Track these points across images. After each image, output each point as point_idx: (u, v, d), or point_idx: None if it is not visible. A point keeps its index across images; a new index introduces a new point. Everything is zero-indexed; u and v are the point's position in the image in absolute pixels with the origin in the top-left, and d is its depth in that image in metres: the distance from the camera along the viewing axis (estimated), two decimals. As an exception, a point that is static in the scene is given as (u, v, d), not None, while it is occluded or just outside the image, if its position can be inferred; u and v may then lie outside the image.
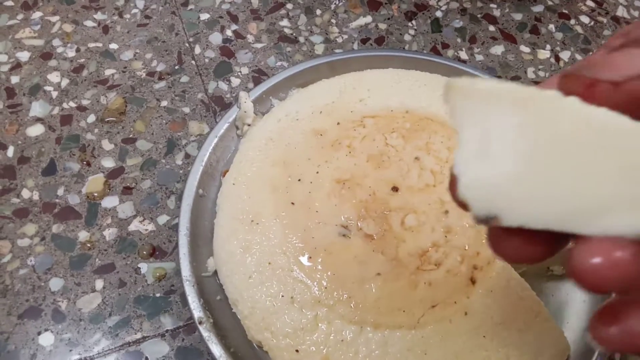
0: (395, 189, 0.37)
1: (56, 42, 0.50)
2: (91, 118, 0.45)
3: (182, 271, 0.34)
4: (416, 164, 0.38)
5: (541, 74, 0.50)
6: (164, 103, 0.46)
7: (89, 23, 0.51)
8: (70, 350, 0.35)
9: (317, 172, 0.38)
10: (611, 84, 0.15)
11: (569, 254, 0.15)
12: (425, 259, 0.34)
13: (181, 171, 0.42)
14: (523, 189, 0.15)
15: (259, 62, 0.49)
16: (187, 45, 0.50)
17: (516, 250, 0.16)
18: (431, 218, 0.36)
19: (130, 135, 0.44)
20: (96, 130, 0.44)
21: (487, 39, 0.52)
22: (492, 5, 0.55)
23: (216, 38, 0.50)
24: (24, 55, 0.48)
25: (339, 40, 0.51)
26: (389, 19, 0.53)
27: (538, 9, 0.55)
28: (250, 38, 0.51)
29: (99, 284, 0.37)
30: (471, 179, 0.15)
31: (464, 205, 0.16)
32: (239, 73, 0.48)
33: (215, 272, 0.36)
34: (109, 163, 0.43)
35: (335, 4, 0.54)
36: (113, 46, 0.49)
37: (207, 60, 0.49)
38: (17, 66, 0.48)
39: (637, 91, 0.15)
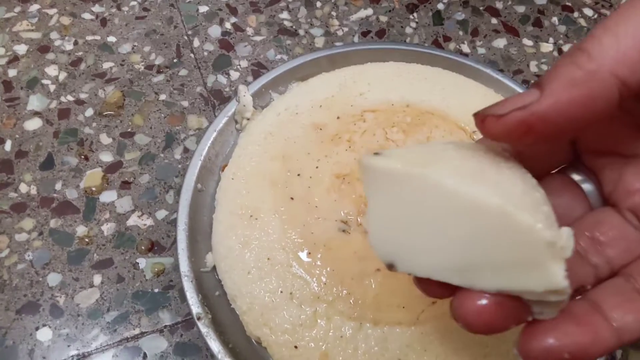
0: (395, 184, 0.36)
1: (54, 35, 0.49)
2: (89, 112, 0.44)
3: (180, 266, 0.34)
4: (417, 159, 0.37)
5: (544, 67, 0.50)
6: (163, 97, 0.45)
7: (87, 16, 0.51)
8: (69, 346, 0.34)
9: (317, 167, 0.37)
10: (495, 117, 0.18)
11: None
12: (425, 254, 0.34)
13: (180, 165, 0.42)
14: (407, 248, 0.19)
15: (258, 55, 0.48)
16: (185, 38, 0.49)
17: (426, 288, 0.20)
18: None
19: (129, 130, 0.44)
20: (94, 124, 0.44)
21: (489, 32, 0.52)
22: (494, -3, 0.54)
23: (215, 31, 0.50)
24: (21, 49, 0.48)
25: (340, 33, 0.51)
26: (390, 11, 0.53)
27: (541, 1, 0.55)
28: (249, 31, 0.50)
29: (97, 279, 0.37)
30: (374, 235, 0.20)
31: None
32: (238, 66, 0.48)
33: (214, 268, 0.35)
34: (107, 157, 0.42)
35: (335, -4, 0.53)
36: (111, 39, 0.49)
37: (206, 53, 0.48)
38: (14, 59, 0.47)
39: (512, 123, 0.17)
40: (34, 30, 0.49)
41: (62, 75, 0.47)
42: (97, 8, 0.51)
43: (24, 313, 0.35)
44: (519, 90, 0.42)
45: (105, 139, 0.43)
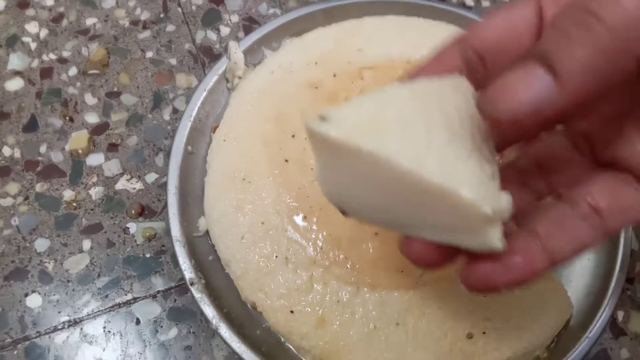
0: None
1: (32, -12, 0.46)
2: (73, 71, 0.42)
3: (172, 231, 0.33)
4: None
5: (551, 21, 0.47)
6: (149, 54, 0.43)
7: (67, -33, 0.47)
8: (59, 312, 0.34)
9: (312, 127, 0.36)
10: (505, 117, 0.16)
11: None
12: (425, 217, 0.33)
13: (169, 127, 0.40)
14: (357, 203, 0.20)
15: (249, 10, 0.46)
16: (173, -9, 0.46)
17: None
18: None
19: (115, 89, 0.42)
20: (78, 84, 0.42)
21: (494, -16, 0.49)
22: (500, -54, 0.51)
23: (204, -17, 0.47)
24: (-1, 4, 0.45)
25: (336, -15, 0.48)
26: (389, -38, 0.49)
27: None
28: (240, -17, 0.47)
29: (87, 244, 0.36)
30: (324, 185, 0.21)
31: None
32: (229, 21, 0.45)
33: (207, 232, 0.34)
34: (92, 118, 0.40)
35: (332, -55, 0.50)
36: (94, -7, 0.46)
37: (194, 7, 0.45)
38: (-9, 15, 0.45)
39: (526, 123, 0.16)
40: (11, -17, 0.46)
41: (43, 33, 0.44)
42: (77, -41, 0.48)
43: (12, 279, 0.35)
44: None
45: (90, 99, 0.41)
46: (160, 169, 0.39)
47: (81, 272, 0.35)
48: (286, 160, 0.35)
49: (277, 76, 0.38)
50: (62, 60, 0.43)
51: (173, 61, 0.43)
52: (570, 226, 0.19)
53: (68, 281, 0.35)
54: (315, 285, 0.32)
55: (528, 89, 0.15)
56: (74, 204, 0.37)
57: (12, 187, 0.37)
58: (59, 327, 0.33)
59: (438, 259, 0.20)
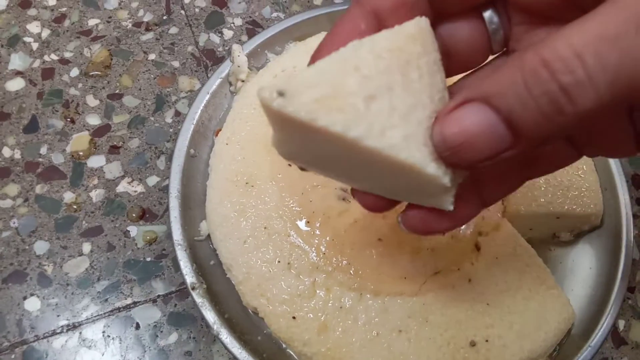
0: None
1: (34, -12, 0.46)
2: (74, 72, 0.42)
3: (173, 235, 0.33)
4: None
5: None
6: (152, 56, 0.43)
7: (70, -32, 0.47)
8: (58, 316, 0.33)
9: (316, 132, 0.36)
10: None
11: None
12: (428, 224, 0.33)
13: (171, 130, 0.40)
14: (315, 166, 0.22)
15: (253, 13, 0.46)
16: (176, -7, 0.46)
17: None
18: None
19: (117, 91, 0.41)
20: (80, 85, 0.41)
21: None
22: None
23: (207, -14, 0.47)
24: (1, 4, 0.45)
25: (340, -10, 0.48)
26: (393, -33, 0.50)
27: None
28: (244, -13, 0.47)
29: (87, 247, 0.35)
30: (280, 147, 0.21)
31: None
32: (232, 24, 0.45)
33: (209, 236, 0.34)
34: (94, 120, 0.40)
35: (335, -50, 0.50)
36: (96, -6, 0.46)
37: (197, 10, 0.45)
38: (-8, 15, 0.44)
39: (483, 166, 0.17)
40: (13, -17, 0.46)
41: (45, 33, 0.44)
42: (80, -40, 0.48)
43: (10, 282, 0.34)
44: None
45: (92, 101, 0.41)
46: (162, 172, 0.38)
47: (81, 275, 0.35)
48: (289, 165, 0.34)
49: (281, 80, 0.38)
50: (63, 61, 0.42)
51: (176, 64, 0.43)
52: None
53: (67, 284, 0.34)
54: (317, 291, 0.31)
55: (489, 146, 0.16)
56: (74, 207, 0.37)
57: (12, 189, 0.37)
58: (58, 331, 0.33)
59: (386, 206, 0.22)
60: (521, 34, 0.20)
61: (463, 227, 0.33)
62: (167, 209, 0.34)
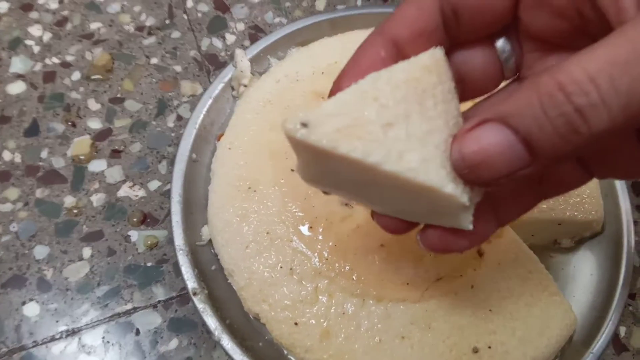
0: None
1: (36, -8, 0.46)
2: (76, 75, 0.42)
3: (174, 240, 0.33)
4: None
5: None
6: (154, 60, 0.43)
7: (72, -28, 0.47)
8: (57, 321, 0.33)
9: (318, 137, 0.36)
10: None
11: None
12: (431, 230, 0.33)
13: (173, 134, 0.40)
14: (333, 186, 0.22)
15: (255, 18, 0.46)
16: (178, -2, 0.46)
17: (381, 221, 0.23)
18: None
19: (118, 95, 0.41)
20: (81, 89, 0.41)
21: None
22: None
23: (209, -9, 0.47)
24: (2, 6, 0.45)
25: (341, -4, 0.48)
26: (394, -26, 0.50)
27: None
28: (246, -8, 0.47)
29: (87, 252, 0.35)
30: (304, 174, 0.22)
31: None
32: (235, 29, 0.45)
33: (210, 241, 0.34)
34: (95, 124, 0.40)
35: (337, -44, 0.50)
36: (98, -2, 0.46)
37: (199, 14, 0.45)
38: (-6, 18, 0.44)
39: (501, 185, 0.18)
40: (15, -14, 0.46)
41: (47, 36, 0.44)
42: (82, -36, 0.48)
43: (9, 287, 0.34)
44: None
45: (93, 105, 0.41)
46: (163, 176, 0.38)
47: (81, 280, 0.34)
48: (292, 170, 0.34)
49: (283, 85, 0.38)
50: (65, 65, 0.42)
51: (178, 68, 0.43)
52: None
53: (67, 289, 0.34)
54: (320, 297, 0.31)
55: (507, 164, 0.17)
56: (75, 211, 0.37)
57: (12, 193, 0.37)
58: (57, 336, 0.33)
59: (406, 228, 0.23)
60: (533, 61, 0.21)
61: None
62: (168, 214, 0.34)
